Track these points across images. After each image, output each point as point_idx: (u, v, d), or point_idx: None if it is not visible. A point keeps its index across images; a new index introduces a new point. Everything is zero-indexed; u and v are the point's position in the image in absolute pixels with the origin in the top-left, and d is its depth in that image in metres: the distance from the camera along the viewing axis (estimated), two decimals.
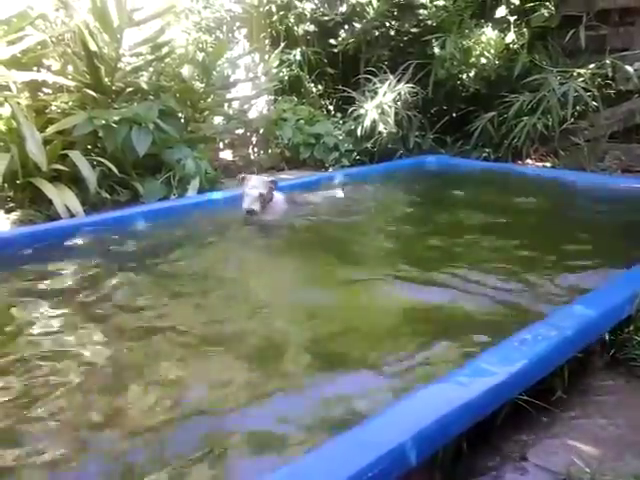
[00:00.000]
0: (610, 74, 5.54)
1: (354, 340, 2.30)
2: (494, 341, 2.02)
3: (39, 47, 4.58)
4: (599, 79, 5.55)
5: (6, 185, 4.12)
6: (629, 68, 5.49)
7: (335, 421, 1.76)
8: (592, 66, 5.59)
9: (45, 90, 4.69)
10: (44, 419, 1.80)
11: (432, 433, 1.58)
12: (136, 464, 1.63)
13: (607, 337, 2.20)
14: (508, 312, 2.50)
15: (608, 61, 5.53)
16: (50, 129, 4.20)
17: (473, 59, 5.86)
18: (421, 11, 6.27)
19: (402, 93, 5.97)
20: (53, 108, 4.61)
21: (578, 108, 5.56)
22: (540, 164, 5.74)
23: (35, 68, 4.59)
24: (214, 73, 5.37)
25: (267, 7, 6.63)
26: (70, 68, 4.69)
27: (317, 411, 1.84)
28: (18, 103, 4.12)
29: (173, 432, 1.76)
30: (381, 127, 5.90)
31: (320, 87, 6.96)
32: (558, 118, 5.48)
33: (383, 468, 1.43)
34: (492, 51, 5.79)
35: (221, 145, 6.19)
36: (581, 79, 5.50)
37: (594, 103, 5.46)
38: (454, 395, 1.70)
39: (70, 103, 4.60)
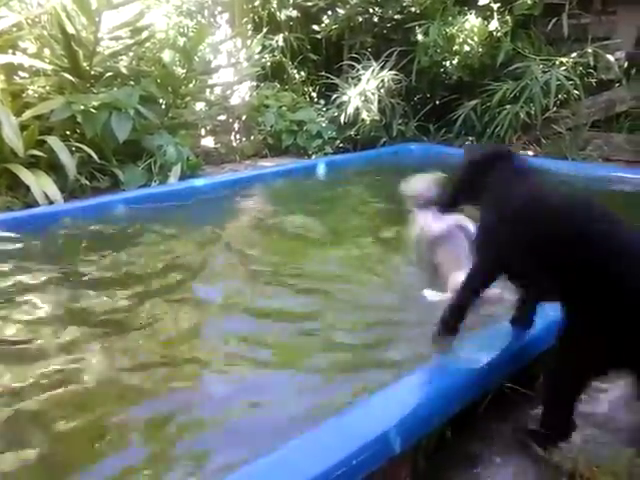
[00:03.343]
0: (592, 63, 5.57)
1: None
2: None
3: (14, 29, 4.46)
4: (581, 68, 5.58)
5: None
6: (610, 57, 5.53)
7: None
8: (574, 55, 5.62)
9: (21, 74, 4.58)
10: None
11: (416, 421, 1.58)
12: None
13: None
14: None
15: (590, 50, 5.56)
16: (27, 114, 4.11)
17: (456, 47, 5.85)
18: None
19: (385, 80, 5.95)
20: (30, 92, 4.51)
21: (560, 97, 5.59)
22: (523, 152, 5.76)
23: (10, 51, 4.47)
24: (195, 58, 5.28)
25: None
26: (47, 51, 4.58)
27: None
28: None
29: None
30: (364, 114, 5.87)
31: (303, 73, 6.90)
32: (540, 106, 5.50)
33: (366, 456, 1.43)
34: (475, 39, 5.78)
35: (203, 132, 6.11)
36: (563, 68, 5.53)
37: (576, 92, 5.49)
38: (437, 383, 1.71)
39: (47, 87, 4.50)
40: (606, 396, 1.99)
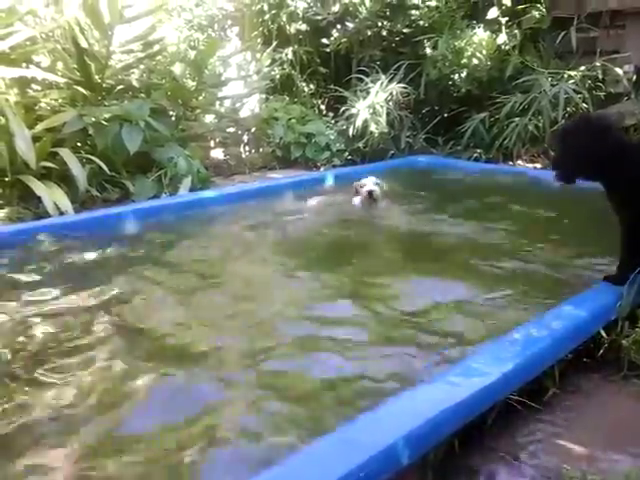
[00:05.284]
0: (600, 76, 5.58)
1: None
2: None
3: (28, 43, 4.53)
4: (589, 81, 5.58)
5: None
6: (619, 70, 5.53)
7: None
8: (582, 68, 5.63)
9: (34, 87, 4.65)
10: None
11: (424, 433, 1.58)
12: None
13: (598, 338, 2.20)
14: None
15: (598, 63, 5.57)
16: (39, 126, 4.17)
17: (465, 60, 5.88)
18: (413, 11, 6.30)
19: (394, 93, 5.98)
20: (42, 105, 4.57)
21: (569, 109, 5.59)
22: (531, 165, 5.76)
23: (24, 64, 4.54)
24: (206, 71, 5.35)
25: (259, 5, 6.62)
26: (60, 65, 4.66)
27: None
28: (7, 100, 4.09)
29: None
30: (373, 127, 5.90)
31: (312, 86, 6.95)
32: (549, 119, 5.50)
33: (374, 468, 1.43)
34: (484, 52, 5.81)
35: (212, 144, 6.16)
36: (572, 81, 5.54)
37: (584, 105, 5.49)
38: (446, 395, 1.70)
39: (60, 100, 4.57)
40: (614, 407, 1.98)
